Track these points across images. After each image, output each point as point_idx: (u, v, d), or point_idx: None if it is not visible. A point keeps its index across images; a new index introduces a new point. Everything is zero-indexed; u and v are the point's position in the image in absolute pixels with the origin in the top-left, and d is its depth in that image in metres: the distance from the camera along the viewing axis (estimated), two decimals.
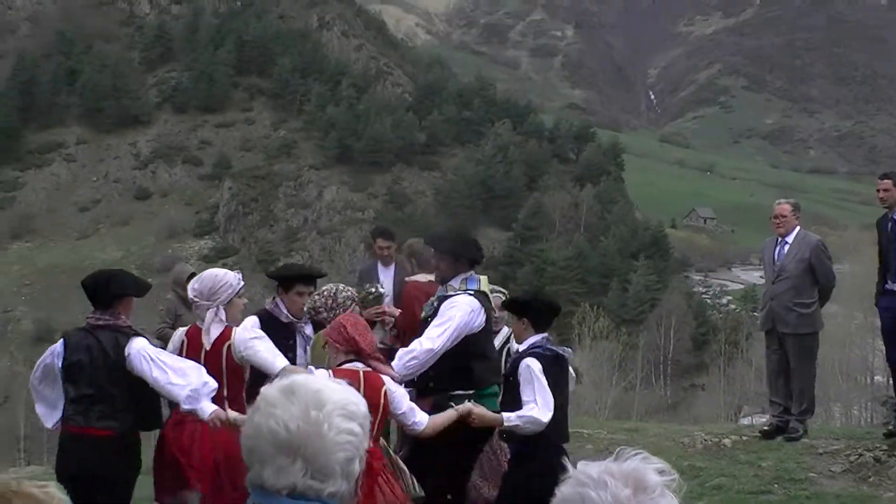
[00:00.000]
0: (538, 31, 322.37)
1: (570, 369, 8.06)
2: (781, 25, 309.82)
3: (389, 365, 6.97)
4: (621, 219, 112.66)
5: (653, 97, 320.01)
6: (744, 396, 61.40)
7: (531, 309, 7.42)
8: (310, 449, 2.51)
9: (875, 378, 49.04)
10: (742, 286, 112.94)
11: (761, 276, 12.28)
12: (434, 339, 7.29)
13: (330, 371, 6.42)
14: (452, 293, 7.54)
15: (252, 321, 8.17)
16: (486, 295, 7.62)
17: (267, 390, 2.64)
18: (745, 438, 11.78)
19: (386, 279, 11.14)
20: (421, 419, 6.85)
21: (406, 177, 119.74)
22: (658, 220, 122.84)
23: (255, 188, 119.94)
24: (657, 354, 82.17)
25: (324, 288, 8.22)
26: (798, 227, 11.81)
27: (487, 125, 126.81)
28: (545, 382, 7.07)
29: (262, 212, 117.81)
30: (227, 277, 7.90)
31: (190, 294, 7.79)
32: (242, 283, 8.11)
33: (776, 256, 11.75)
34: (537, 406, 6.99)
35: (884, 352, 12.25)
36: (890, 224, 10.99)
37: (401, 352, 7.39)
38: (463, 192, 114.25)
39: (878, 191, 11.14)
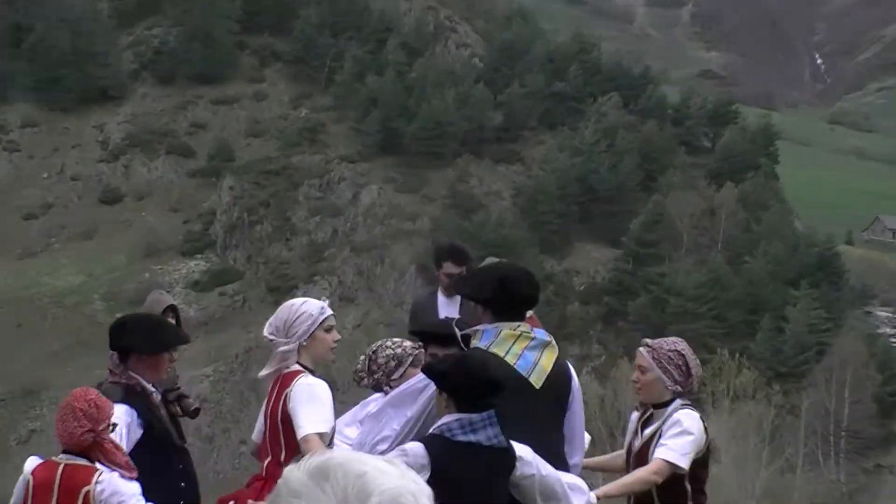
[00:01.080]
0: None
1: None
2: None
3: None
4: (775, 231, 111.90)
5: (820, 62, 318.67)
6: None
7: (450, 380, 7.29)
8: None
9: None
10: None
11: None
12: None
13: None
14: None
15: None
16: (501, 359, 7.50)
17: (291, 472, 2.51)
18: None
19: (447, 314, 10.95)
20: None
21: (475, 172, 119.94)
22: (828, 232, 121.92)
23: (265, 188, 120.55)
24: (826, 422, 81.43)
25: (373, 345, 8.61)
26: None
27: (588, 101, 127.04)
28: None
29: (276, 221, 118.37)
30: (305, 307, 8.35)
31: (266, 333, 8.12)
32: (328, 312, 8.47)
33: None
34: None
35: None
36: None
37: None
38: (553, 193, 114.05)
39: None
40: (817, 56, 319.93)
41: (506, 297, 7.65)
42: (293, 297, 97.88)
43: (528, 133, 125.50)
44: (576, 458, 7.79)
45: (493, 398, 7.14)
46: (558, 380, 7.47)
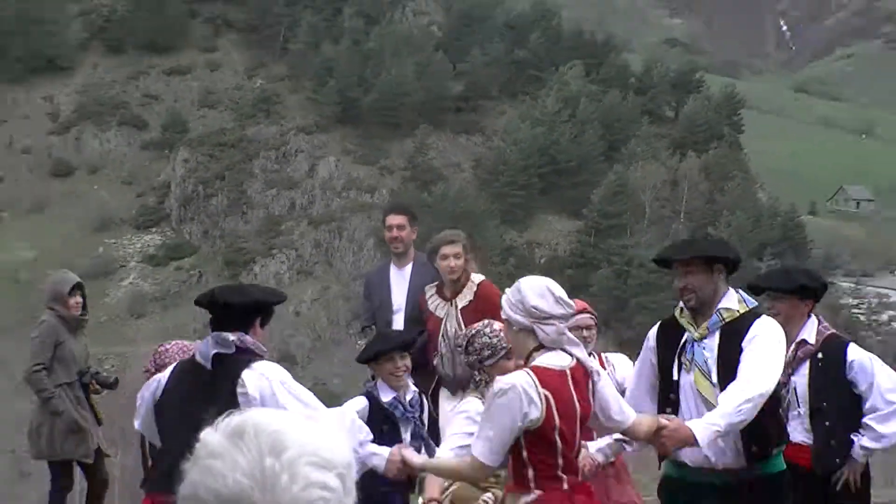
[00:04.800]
0: None
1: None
2: None
3: None
4: (739, 202, 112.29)
5: (785, 27, 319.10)
6: None
7: None
8: None
9: None
10: None
11: None
12: (762, 377, 7.11)
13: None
14: (746, 316, 7.38)
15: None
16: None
17: (208, 435, 2.61)
18: None
19: (398, 284, 11.21)
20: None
21: (435, 143, 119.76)
22: (792, 203, 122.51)
23: (220, 161, 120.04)
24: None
25: (474, 327, 8.39)
26: None
27: (550, 70, 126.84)
28: None
29: (232, 193, 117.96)
30: None
31: None
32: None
33: None
34: None
35: None
36: None
37: (731, 394, 7.31)
38: (514, 164, 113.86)
39: None
40: (782, 23, 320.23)
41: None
42: (250, 270, 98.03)
43: (489, 103, 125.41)
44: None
45: None
46: None
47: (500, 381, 6.84)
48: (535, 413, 6.62)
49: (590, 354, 9.32)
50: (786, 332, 7.83)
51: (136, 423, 7.77)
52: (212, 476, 2.55)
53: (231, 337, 7.39)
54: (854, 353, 7.79)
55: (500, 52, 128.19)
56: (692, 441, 7.05)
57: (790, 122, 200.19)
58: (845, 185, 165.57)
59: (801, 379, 8.01)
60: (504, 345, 8.00)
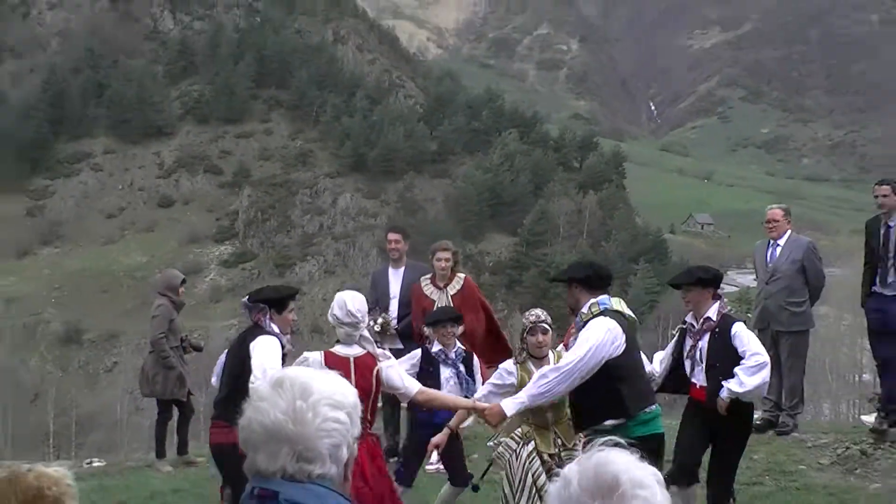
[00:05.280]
0: (544, 45, 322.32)
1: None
2: (777, 39, 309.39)
3: None
4: (622, 225, 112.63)
5: (654, 108, 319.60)
6: None
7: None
8: (295, 436, 2.57)
9: (863, 376, 49.17)
10: (737, 288, 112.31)
11: (755, 279, 12.36)
12: (565, 361, 6.99)
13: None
14: (587, 318, 7.15)
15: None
16: (623, 314, 7.09)
17: (259, 385, 2.71)
18: None
19: (395, 281, 11.34)
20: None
21: (417, 184, 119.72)
22: (658, 226, 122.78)
23: (272, 195, 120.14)
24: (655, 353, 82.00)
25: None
26: (790, 231, 11.98)
27: (495, 135, 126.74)
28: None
29: (280, 218, 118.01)
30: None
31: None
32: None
33: (769, 258, 11.89)
34: None
35: (871, 351, 12.34)
36: (884, 229, 11.07)
37: (535, 375, 7.21)
38: (472, 199, 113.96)
39: (875, 196, 11.24)
40: (652, 104, 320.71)
41: (604, 277, 7.39)
42: (292, 270, 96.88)
43: (454, 157, 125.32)
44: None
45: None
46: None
47: (306, 353, 7.26)
48: None
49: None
50: (697, 313, 8.01)
51: (213, 379, 7.70)
52: (260, 413, 2.62)
53: (253, 317, 7.62)
54: (737, 327, 7.75)
55: (462, 123, 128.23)
56: (504, 414, 7.06)
57: (656, 170, 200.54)
58: (693, 213, 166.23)
59: (704, 344, 7.95)
60: (528, 323, 8.00)
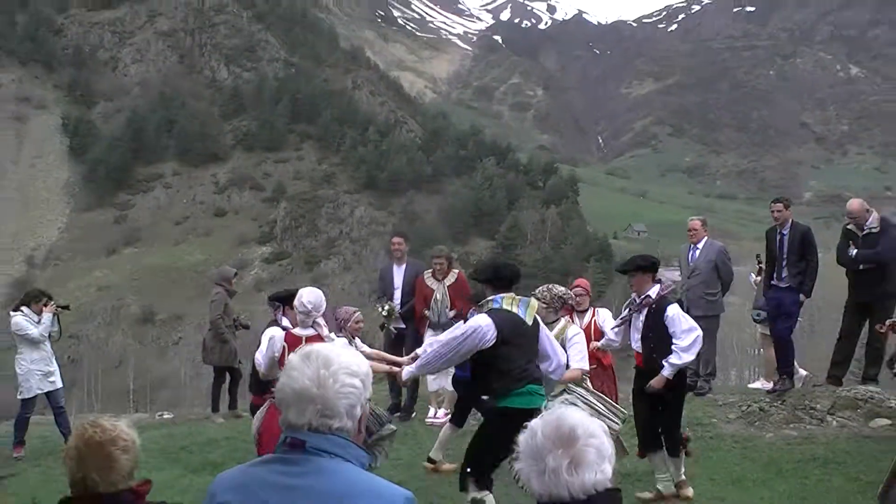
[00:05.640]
0: (516, 92, 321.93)
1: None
2: (696, 89, 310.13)
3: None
4: (577, 232, 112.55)
5: (601, 141, 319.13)
6: None
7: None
8: (319, 397, 2.56)
9: (761, 350, 49.25)
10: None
11: (679, 275, 12.40)
12: (438, 344, 6.75)
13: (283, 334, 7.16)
14: (477, 313, 6.89)
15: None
16: (511, 313, 6.60)
17: (292, 356, 2.70)
18: None
19: (398, 275, 11.26)
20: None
21: (416, 200, 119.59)
22: (604, 232, 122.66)
23: (303, 208, 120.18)
24: None
25: (542, 287, 8.15)
26: (706, 237, 12.03)
27: (478, 161, 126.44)
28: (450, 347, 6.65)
29: (309, 225, 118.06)
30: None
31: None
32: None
33: (690, 259, 11.94)
34: None
35: (769, 330, 12.36)
36: (779, 237, 11.20)
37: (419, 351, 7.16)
38: (459, 211, 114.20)
39: (772, 211, 11.32)
40: (599, 138, 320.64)
41: (503, 277, 6.88)
42: (319, 268, 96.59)
43: (446, 178, 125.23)
44: (545, 364, 6.72)
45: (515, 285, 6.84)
46: (535, 321, 6.68)
47: (270, 330, 7.45)
48: (276, 355, 7.01)
49: (586, 310, 9.11)
50: (639, 294, 7.88)
51: (257, 355, 7.56)
52: (291, 379, 2.60)
53: (273, 314, 7.86)
54: (671, 309, 7.62)
55: (452, 152, 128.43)
56: (405, 378, 7.15)
57: (603, 190, 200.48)
58: (632, 223, 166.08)
59: (642, 318, 7.89)
60: (555, 299, 8.01)
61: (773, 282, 11.33)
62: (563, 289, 8.37)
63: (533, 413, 3.16)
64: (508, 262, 7.70)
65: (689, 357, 7.59)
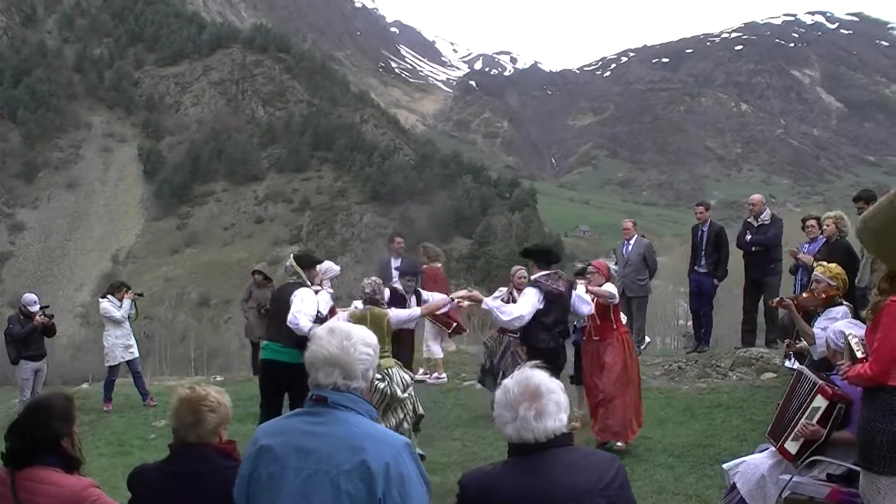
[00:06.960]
0: (487, 124, 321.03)
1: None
2: (625, 120, 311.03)
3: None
4: (536, 232, 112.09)
5: (554, 161, 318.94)
6: None
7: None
8: (342, 362, 2.55)
9: (679, 322, 49.51)
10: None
11: (615, 264, 12.44)
12: (520, 308, 6.73)
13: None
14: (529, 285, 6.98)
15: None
16: (544, 284, 6.77)
17: (318, 329, 2.69)
18: None
19: (395, 264, 11.16)
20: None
21: (411, 208, 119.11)
22: (557, 232, 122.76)
23: (323, 216, 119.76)
24: None
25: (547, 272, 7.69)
26: (636, 235, 12.02)
27: (458, 178, 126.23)
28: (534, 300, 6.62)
29: (328, 229, 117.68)
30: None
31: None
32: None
33: (624, 252, 11.95)
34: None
35: (687, 306, 12.43)
36: (700, 232, 11.27)
37: (507, 309, 6.81)
38: (444, 216, 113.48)
39: (696, 212, 11.39)
40: (553, 159, 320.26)
41: (549, 257, 7.20)
42: (336, 262, 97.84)
43: (433, 191, 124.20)
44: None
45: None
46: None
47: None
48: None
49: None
50: (531, 275, 7.59)
51: (291, 316, 7.28)
52: (320, 347, 2.58)
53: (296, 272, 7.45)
54: (528, 290, 7.12)
55: (438, 171, 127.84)
56: (482, 299, 7.07)
57: (556, 199, 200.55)
58: (578, 225, 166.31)
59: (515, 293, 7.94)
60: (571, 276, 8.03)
61: (695, 267, 11.37)
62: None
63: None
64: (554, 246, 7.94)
65: (504, 318, 6.81)
